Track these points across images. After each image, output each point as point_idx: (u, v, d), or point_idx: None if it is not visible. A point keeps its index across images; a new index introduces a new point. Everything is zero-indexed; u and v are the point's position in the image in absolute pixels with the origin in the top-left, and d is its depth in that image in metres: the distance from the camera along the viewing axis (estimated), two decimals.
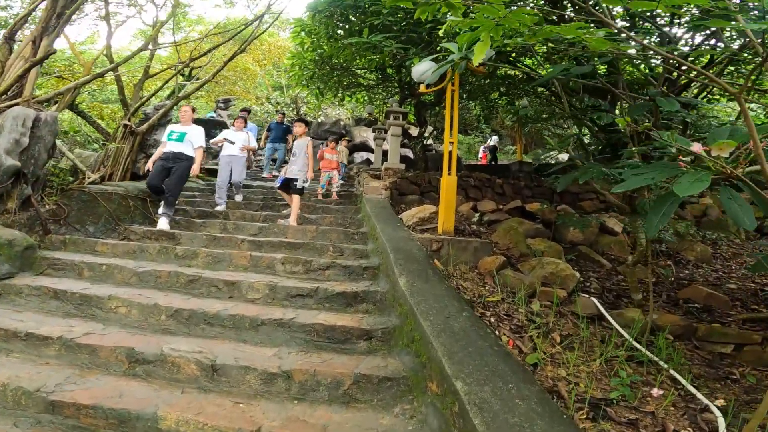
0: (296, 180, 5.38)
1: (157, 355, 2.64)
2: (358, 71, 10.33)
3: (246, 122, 6.67)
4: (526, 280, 4.00)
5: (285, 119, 9.29)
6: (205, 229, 5.03)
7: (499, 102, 13.17)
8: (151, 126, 6.97)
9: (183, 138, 5.24)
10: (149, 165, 5.30)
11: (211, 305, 3.20)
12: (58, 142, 8.92)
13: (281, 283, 3.46)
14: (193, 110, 5.55)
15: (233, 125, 6.64)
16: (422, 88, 4.61)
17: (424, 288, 2.99)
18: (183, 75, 9.55)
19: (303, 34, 8.01)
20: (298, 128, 5.65)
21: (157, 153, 5.39)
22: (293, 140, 6.22)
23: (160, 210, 5.09)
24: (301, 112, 15.03)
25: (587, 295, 4.08)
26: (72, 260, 3.95)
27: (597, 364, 2.83)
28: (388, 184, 5.88)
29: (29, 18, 5.56)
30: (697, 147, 1.54)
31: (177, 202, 5.33)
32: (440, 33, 2.81)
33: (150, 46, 7.95)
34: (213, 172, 8.07)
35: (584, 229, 4.95)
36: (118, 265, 3.79)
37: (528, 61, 10.73)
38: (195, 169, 5.30)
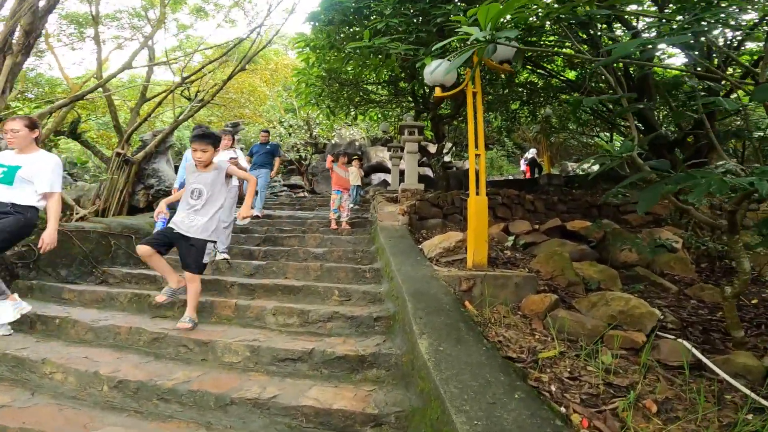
0: (197, 240, 3.04)
1: None
2: (369, 87, 9.77)
3: (234, 140, 5.04)
4: (587, 323, 3.10)
5: (270, 137, 7.75)
6: None
7: (520, 113, 12.46)
8: (148, 154, 6.46)
9: (12, 176, 2.96)
10: None
11: (170, 373, 2.44)
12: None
13: (267, 343, 2.67)
14: (32, 127, 3.09)
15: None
16: (437, 92, 3.86)
17: (455, 354, 2.15)
18: (189, 99, 9.22)
19: (308, 49, 7.49)
20: (205, 149, 3.11)
21: None
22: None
23: None
24: (314, 133, 14.57)
25: (672, 336, 3.12)
26: (31, 311, 3.31)
27: None
28: (405, 207, 5.09)
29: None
30: None
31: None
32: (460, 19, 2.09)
33: (138, 63, 7.56)
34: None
35: (654, 254, 4.00)
36: (73, 318, 3.11)
37: (547, 66, 10.01)
38: (48, 237, 3.03)
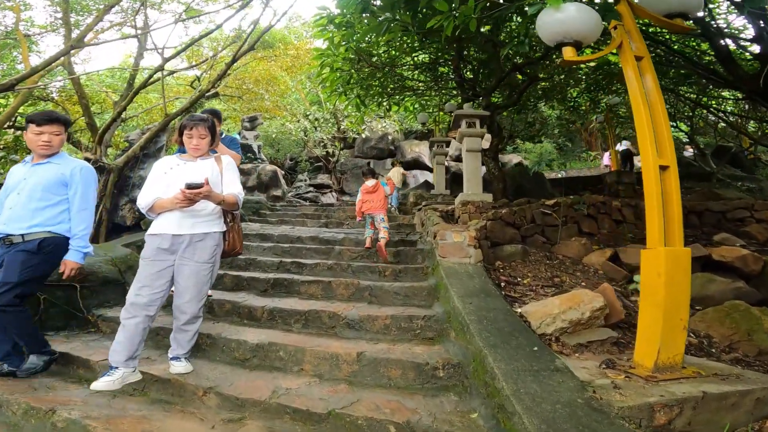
0: None
1: None
2: (405, 72, 8.12)
3: (213, 137, 2.42)
4: None
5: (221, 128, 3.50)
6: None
7: (579, 101, 10.98)
8: (130, 158, 5.02)
9: None
10: None
11: None
12: None
13: None
14: None
15: (181, 144, 2.43)
16: (568, 54, 2.16)
17: None
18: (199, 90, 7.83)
19: (332, 26, 5.80)
20: None
21: None
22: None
23: None
24: (342, 127, 12.92)
25: None
26: None
27: None
28: (474, 233, 3.37)
29: None
30: None
31: None
32: None
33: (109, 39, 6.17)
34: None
35: None
36: None
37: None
38: None
